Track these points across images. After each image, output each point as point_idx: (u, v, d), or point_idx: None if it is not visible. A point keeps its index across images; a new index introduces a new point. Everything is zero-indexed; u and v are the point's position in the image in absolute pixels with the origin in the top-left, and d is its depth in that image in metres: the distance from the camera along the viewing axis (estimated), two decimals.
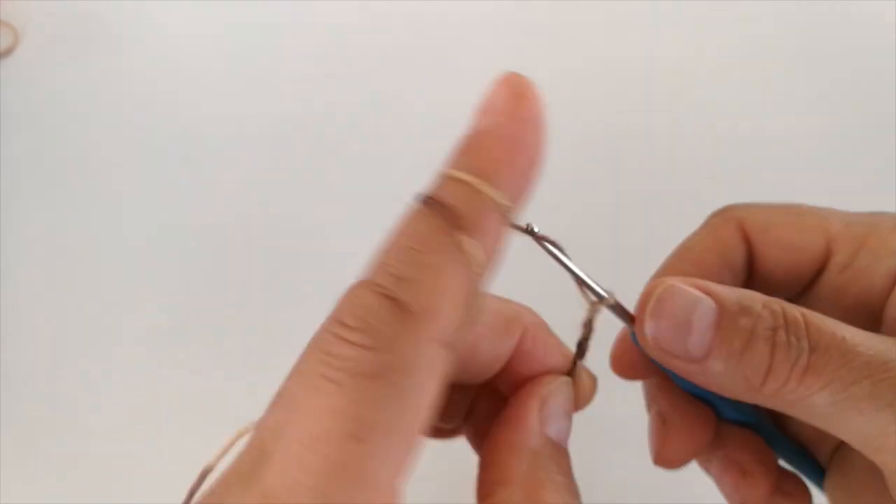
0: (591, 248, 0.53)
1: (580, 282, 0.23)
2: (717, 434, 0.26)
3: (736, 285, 0.24)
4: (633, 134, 0.59)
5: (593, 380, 0.26)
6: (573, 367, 0.25)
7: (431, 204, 0.18)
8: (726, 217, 0.27)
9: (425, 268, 0.17)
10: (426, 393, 0.17)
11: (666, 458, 0.26)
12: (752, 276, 0.27)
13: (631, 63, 0.62)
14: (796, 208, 0.26)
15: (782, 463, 0.28)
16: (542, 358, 0.24)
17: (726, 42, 0.63)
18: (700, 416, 0.26)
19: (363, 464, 0.16)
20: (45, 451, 0.50)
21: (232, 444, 0.20)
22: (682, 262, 0.27)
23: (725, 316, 0.22)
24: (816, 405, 0.21)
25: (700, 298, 0.22)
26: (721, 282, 0.23)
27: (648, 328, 0.23)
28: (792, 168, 0.56)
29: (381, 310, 0.17)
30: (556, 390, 0.24)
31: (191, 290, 0.54)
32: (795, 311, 0.22)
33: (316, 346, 0.17)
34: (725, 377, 0.22)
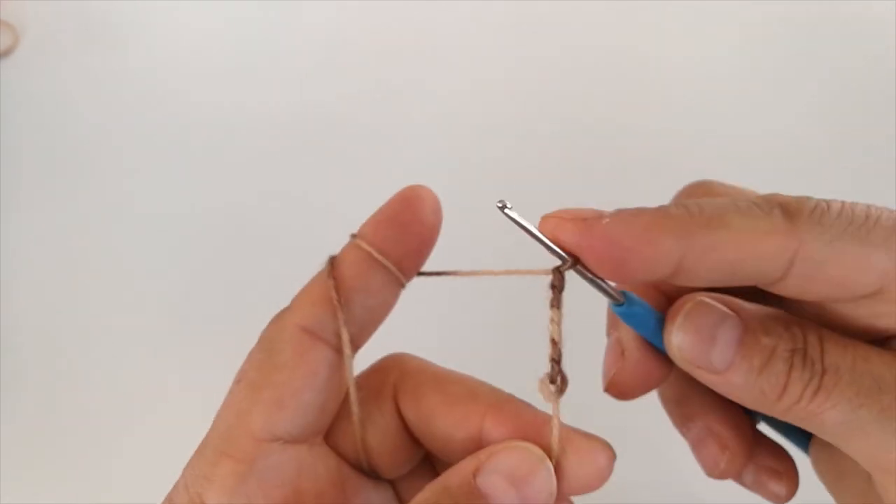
0: None
1: (546, 246, 0.24)
2: (698, 403, 0.27)
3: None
4: (633, 134, 0.59)
5: (594, 449, 0.25)
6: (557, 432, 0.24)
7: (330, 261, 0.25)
8: None
9: (304, 286, 0.25)
10: (287, 357, 0.24)
11: (617, 388, 0.27)
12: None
13: (631, 63, 0.62)
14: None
15: (769, 431, 0.28)
16: (516, 432, 0.24)
17: (726, 42, 0.63)
18: (660, 356, 0.26)
19: (236, 399, 0.24)
20: (45, 451, 0.50)
21: None
22: None
23: (749, 333, 0.23)
24: (826, 423, 0.22)
25: (727, 315, 0.23)
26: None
27: (675, 339, 0.24)
28: (792, 168, 0.56)
29: (277, 313, 0.25)
30: (510, 450, 0.23)
31: (191, 289, 0.55)
32: (815, 333, 0.23)
33: None
34: (744, 390, 0.23)
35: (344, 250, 0.25)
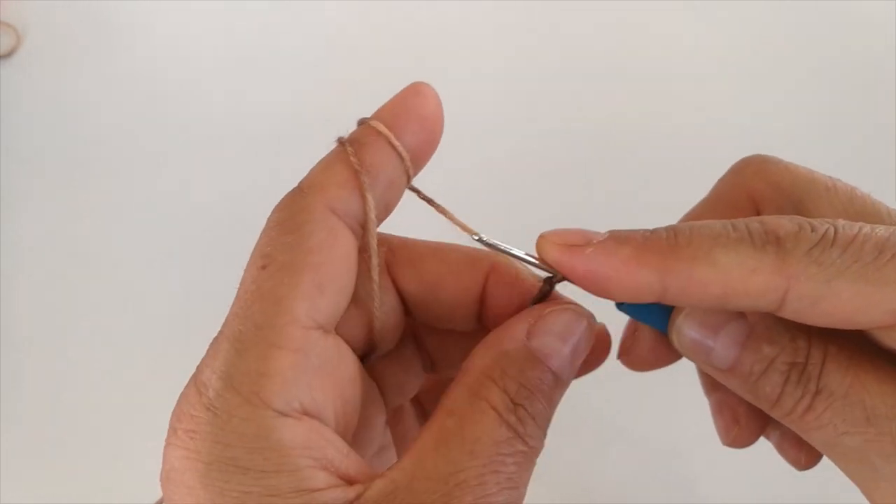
0: None
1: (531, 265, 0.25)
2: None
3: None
4: (633, 134, 0.59)
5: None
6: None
7: (337, 140, 0.24)
8: (757, 175, 0.27)
9: (319, 165, 0.24)
10: (320, 240, 0.22)
11: (628, 361, 0.27)
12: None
13: (631, 63, 0.62)
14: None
15: None
16: (518, 293, 0.25)
17: (726, 42, 0.63)
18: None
19: (268, 286, 0.22)
20: (45, 451, 0.50)
21: None
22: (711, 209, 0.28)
23: (753, 339, 0.23)
24: (815, 440, 0.23)
25: (733, 316, 0.23)
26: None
27: (677, 336, 0.24)
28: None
29: (290, 193, 0.24)
30: (560, 311, 0.24)
31: (192, 288, 0.54)
32: (820, 350, 0.22)
33: None
34: (741, 391, 0.24)
35: (361, 133, 0.24)
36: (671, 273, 0.21)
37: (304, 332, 0.22)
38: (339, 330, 0.24)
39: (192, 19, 0.66)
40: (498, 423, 0.21)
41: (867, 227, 0.21)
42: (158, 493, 0.25)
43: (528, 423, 0.22)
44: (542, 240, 0.24)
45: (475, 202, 0.57)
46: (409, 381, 0.29)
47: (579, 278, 0.23)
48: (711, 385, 0.29)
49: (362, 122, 0.25)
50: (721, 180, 0.29)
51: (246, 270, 0.23)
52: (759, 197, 0.27)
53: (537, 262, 0.24)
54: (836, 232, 0.21)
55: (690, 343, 0.24)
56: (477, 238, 0.25)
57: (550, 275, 0.25)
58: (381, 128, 0.24)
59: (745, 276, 0.21)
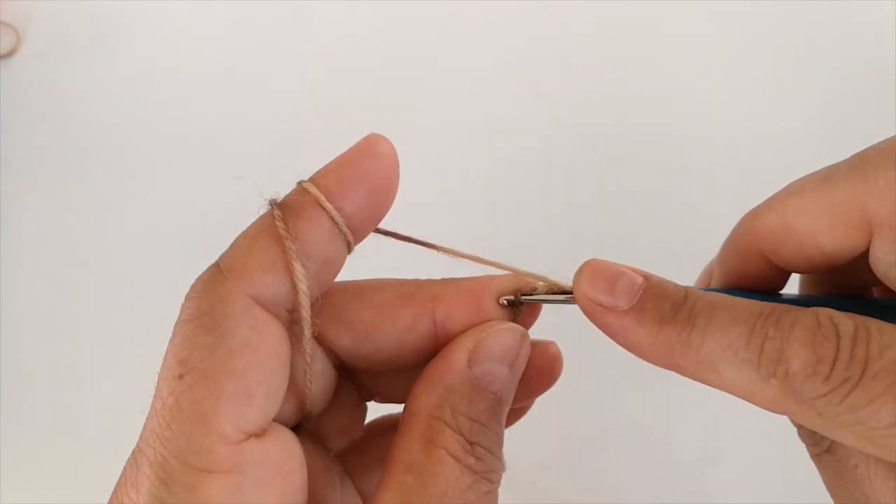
0: (596, 246, 0.53)
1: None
2: None
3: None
4: (633, 134, 0.59)
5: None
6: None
7: (269, 203, 0.22)
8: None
9: (242, 239, 0.21)
10: (242, 338, 0.20)
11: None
12: None
13: (631, 64, 0.62)
14: None
15: None
16: (477, 313, 0.24)
17: (726, 42, 0.63)
18: None
19: (188, 398, 0.19)
20: (45, 451, 0.50)
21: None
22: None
23: (652, 285, 0.22)
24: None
25: (623, 273, 0.22)
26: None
27: (577, 284, 0.23)
28: (791, 168, 0.56)
29: (206, 272, 0.21)
30: (497, 334, 0.23)
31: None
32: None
33: None
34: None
35: (295, 198, 0.21)
36: (678, 367, 0.21)
37: (235, 449, 0.19)
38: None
39: (191, 19, 0.66)
40: (459, 471, 0.21)
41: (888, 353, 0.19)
42: None
43: (487, 459, 0.21)
44: (577, 281, 0.23)
45: (477, 203, 0.57)
46: (352, 422, 0.27)
47: (605, 331, 0.23)
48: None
49: (298, 184, 0.22)
50: (837, 178, 0.24)
51: (160, 377, 0.21)
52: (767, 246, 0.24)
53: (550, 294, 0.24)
54: (857, 372, 0.19)
55: (587, 287, 0.23)
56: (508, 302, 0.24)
57: (515, 298, 0.24)
58: (319, 196, 0.21)
59: (745, 393, 0.20)
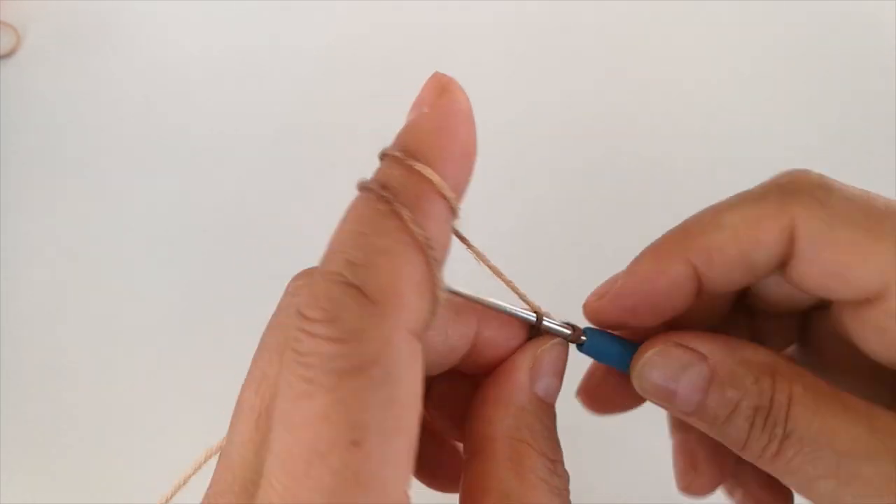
0: (598, 245, 0.53)
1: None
2: (741, 472, 0.27)
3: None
4: (633, 134, 0.59)
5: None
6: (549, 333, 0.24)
7: (370, 188, 0.17)
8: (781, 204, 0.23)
9: (379, 252, 0.16)
10: (410, 385, 0.16)
11: (592, 400, 0.27)
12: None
13: (631, 64, 0.62)
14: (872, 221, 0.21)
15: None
16: (507, 341, 0.24)
17: (726, 42, 0.63)
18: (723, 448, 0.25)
19: (367, 469, 0.15)
20: (45, 451, 0.50)
21: (203, 463, 0.21)
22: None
23: (715, 383, 0.22)
24: (786, 482, 0.22)
25: (692, 362, 0.23)
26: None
27: (637, 382, 0.24)
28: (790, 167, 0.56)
29: (345, 298, 0.16)
30: (550, 349, 0.24)
31: (192, 288, 0.54)
32: (785, 390, 0.22)
33: (284, 345, 0.17)
34: (711, 433, 0.23)
35: (411, 185, 0.17)
36: (691, 252, 0.22)
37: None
38: None
39: (192, 19, 0.66)
40: (549, 494, 0.21)
41: (871, 192, 0.21)
42: (160, 493, 0.25)
43: (564, 476, 0.22)
44: (584, 307, 0.24)
45: (477, 201, 0.57)
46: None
47: (624, 309, 0.23)
48: (676, 425, 0.28)
49: (394, 159, 0.17)
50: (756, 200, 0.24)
51: (331, 445, 0.15)
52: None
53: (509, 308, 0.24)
54: (841, 185, 0.21)
55: (653, 388, 0.23)
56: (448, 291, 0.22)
57: (535, 317, 0.24)
58: (439, 182, 0.17)
59: (752, 228, 0.21)
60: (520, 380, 0.23)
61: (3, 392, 0.51)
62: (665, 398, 0.23)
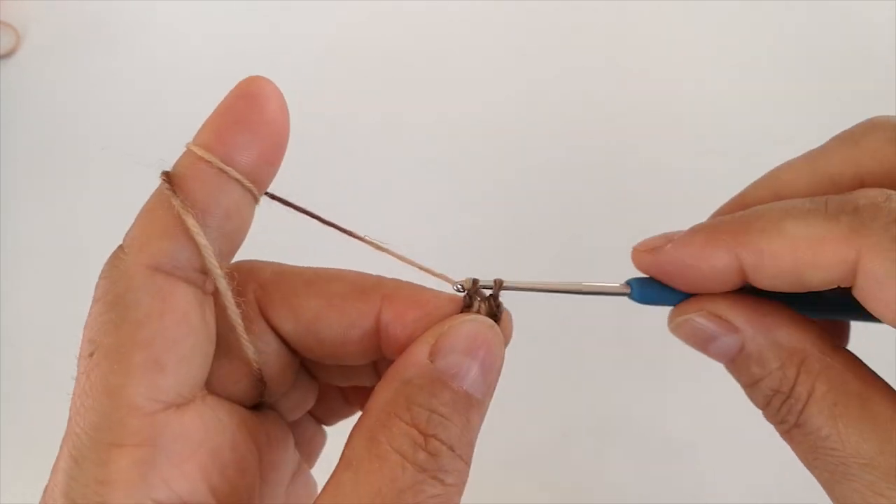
0: (599, 246, 0.53)
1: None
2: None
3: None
4: (633, 134, 0.59)
5: (508, 317, 0.24)
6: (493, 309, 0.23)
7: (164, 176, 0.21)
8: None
9: (139, 214, 0.21)
10: (147, 309, 0.19)
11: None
12: None
13: (632, 65, 0.62)
14: None
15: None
16: (421, 317, 0.23)
17: (726, 43, 0.63)
18: None
19: (98, 375, 0.19)
20: (45, 451, 0.50)
21: None
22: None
23: (743, 355, 0.23)
24: (793, 449, 0.22)
25: (722, 334, 0.23)
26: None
27: (674, 329, 0.24)
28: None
29: (113, 253, 0.21)
30: (460, 325, 0.22)
31: None
32: (806, 386, 0.21)
33: None
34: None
35: (181, 163, 0.21)
36: (743, 247, 0.21)
37: (147, 421, 0.19)
38: (216, 387, 0.21)
39: (191, 19, 0.66)
40: (401, 468, 0.19)
41: None
42: None
43: (443, 456, 0.19)
44: (633, 252, 0.24)
45: (477, 202, 0.57)
46: (304, 397, 0.26)
47: (665, 274, 0.23)
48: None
49: (189, 147, 0.21)
50: (828, 149, 0.24)
51: (78, 359, 0.21)
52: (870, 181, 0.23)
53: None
54: None
55: (685, 340, 0.23)
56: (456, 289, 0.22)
57: (461, 288, 0.23)
58: (204, 153, 0.21)
59: (813, 246, 0.20)
60: (414, 354, 0.21)
61: (3, 392, 0.51)
62: (696, 348, 0.23)
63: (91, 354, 0.20)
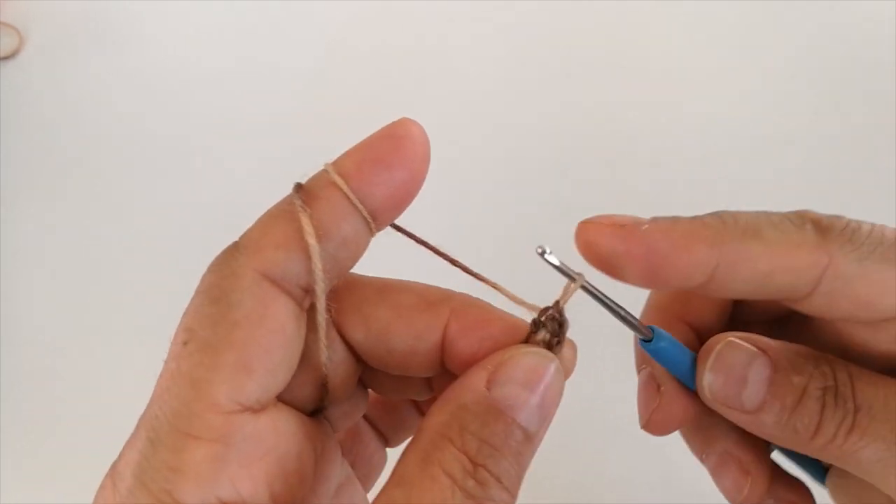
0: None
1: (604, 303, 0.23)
2: (718, 429, 0.27)
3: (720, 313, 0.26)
4: (634, 135, 0.59)
5: (572, 349, 0.24)
6: (551, 340, 0.23)
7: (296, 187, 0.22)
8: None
9: (261, 218, 0.22)
10: (249, 313, 0.20)
11: (655, 426, 0.26)
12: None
13: (632, 65, 0.62)
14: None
15: (782, 461, 0.28)
16: (487, 337, 0.23)
17: (727, 43, 0.63)
18: (689, 392, 0.25)
19: (188, 366, 0.20)
20: (45, 451, 0.50)
21: None
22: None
23: (780, 372, 0.23)
24: (862, 461, 0.22)
25: (757, 354, 0.23)
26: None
27: (706, 380, 0.24)
28: (792, 168, 0.56)
29: (224, 249, 0.22)
30: (522, 357, 0.21)
31: (191, 287, 0.54)
32: (844, 370, 0.23)
33: None
34: (776, 428, 0.23)
35: (315, 182, 0.21)
36: (725, 247, 0.22)
37: (225, 419, 0.20)
38: (283, 394, 0.22)
39: (192, 20, 0.66)
40: (451, 492, 0.19)
41: (878, 225, 0.22)
42: None
43: (490, 487, 0.19)
44: (590, 224, 0.23)
45: (477, 202, 0.57)
46: (356, 407, 0.27)
47: (636, 259, 0.22)
48: (706, 442, 0.27)
49: (322, 171, 0.22)
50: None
51: (172, 343, 0.21)
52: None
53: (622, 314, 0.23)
54: (859, 222, 0.22)
55: (719, 387, 0.24)
56: (540, 252, 0.23)
57: (540, 314, 0.23)
58: (338, 180, 0.21)
59: (790, 251, 0.22)
60: (473, 379, 0.21)
61: (3, 392, 0.51)
62: (732, 396, 0.23)
63: (185, 343, 0.20)
